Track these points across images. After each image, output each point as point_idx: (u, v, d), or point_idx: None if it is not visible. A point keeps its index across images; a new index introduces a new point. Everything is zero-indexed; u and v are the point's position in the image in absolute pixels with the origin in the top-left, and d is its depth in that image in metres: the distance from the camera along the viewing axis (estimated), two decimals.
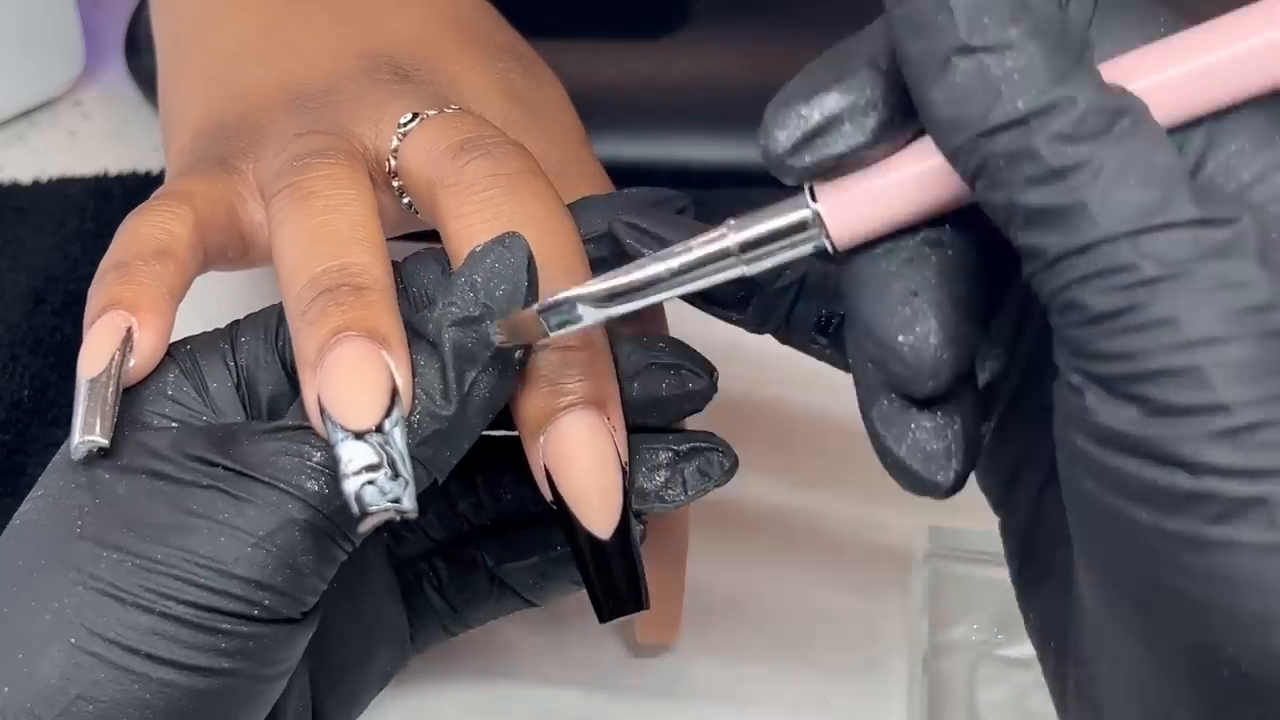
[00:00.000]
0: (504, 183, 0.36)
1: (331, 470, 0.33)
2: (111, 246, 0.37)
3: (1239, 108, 0.28)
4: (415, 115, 0.39)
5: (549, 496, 0.35)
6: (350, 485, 0.32)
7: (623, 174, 0.46)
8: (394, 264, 0.36)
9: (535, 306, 0.32)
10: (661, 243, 0.36)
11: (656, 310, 0.41)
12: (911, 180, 0.29)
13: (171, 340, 0.36)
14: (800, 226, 0.30)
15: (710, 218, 0.40)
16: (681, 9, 0.63)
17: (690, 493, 0.36)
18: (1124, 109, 0.27)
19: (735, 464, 0.37)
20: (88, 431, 0.33)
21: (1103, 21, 0.29)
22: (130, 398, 0.35)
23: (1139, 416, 0.26)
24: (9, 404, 0.52)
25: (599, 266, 0.37)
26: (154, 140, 0.62)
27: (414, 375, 0.33)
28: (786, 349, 0.37)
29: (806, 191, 0.30)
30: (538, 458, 0.35)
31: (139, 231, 0.37)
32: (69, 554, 0.32)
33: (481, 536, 0.40)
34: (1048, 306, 0.27)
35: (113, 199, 0.59)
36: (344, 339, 0.33)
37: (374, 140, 0.39)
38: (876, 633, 0.47)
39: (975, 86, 0.27)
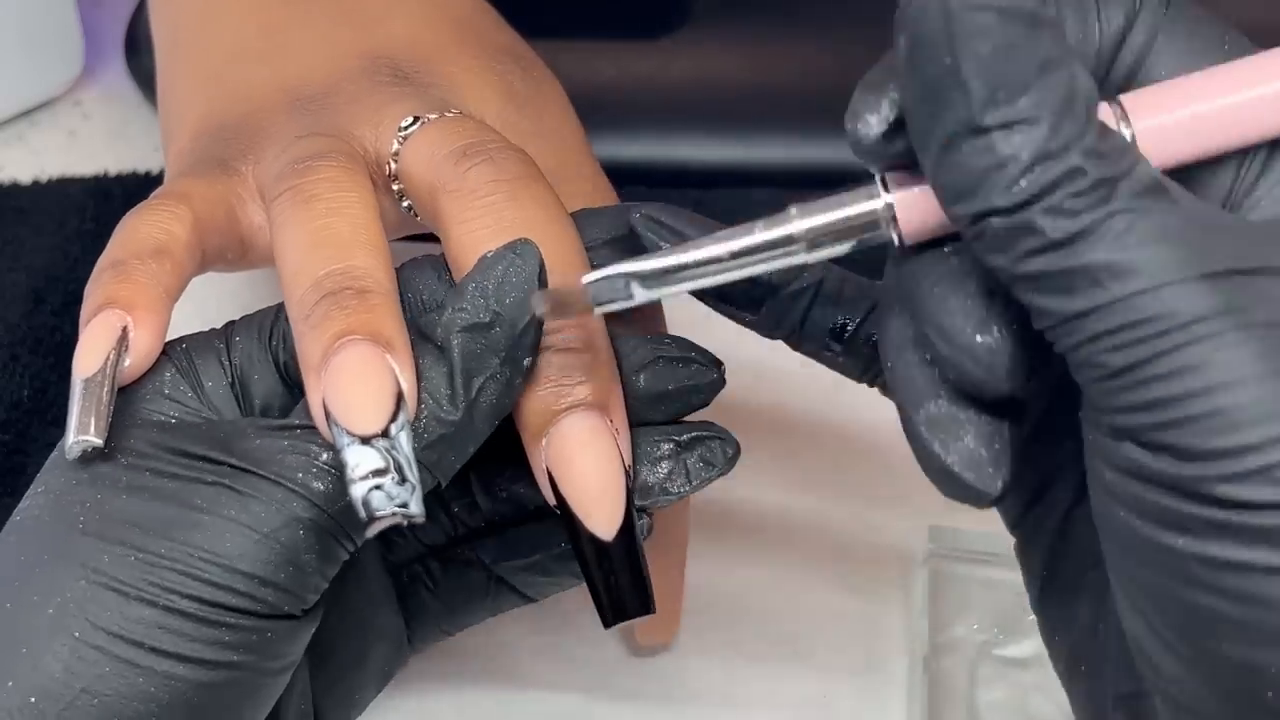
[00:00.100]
0: (506, 188, 0.36)
1: (337, 469, 0.33)
2: (109, 245, 0.37)
3: None
4: (416, 119, 0.39)
5: (551, 500, 0.35)
6: (357, 490, 0.32)
7: (623, 174, 0.46)
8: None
9: (585, 278, 0.31)
10: (680, 237, 0.36)
11: (655, 310, 0.41)
12: None
13: (168, 339, 0.36)
14: (869, 217, 0.29)
15: (711, 218, 0.40)
16: (681, 9, 0.63)
17: (694, 482, 0.36)
18: (1129, 168, 0.27)
19: (738, 451, 0.37)
20: (82, 431, 0.33)
21: (1166, 39, 0.29)
22: (127, 396, 0.35)
23: (1168, 461, 0.26)
24: (9, 404, 0.52)
25: None
26: (154, 140, 0.62)
27: (421, 379, 0.33)
28: (786, 349, 0.37)
29: (879, 183, 0.29)
30: (540, 460, 0.35)
31: (136, 231, 0.37)
32: (72, 549, 0.32)
33: (476, 537, 0.40)
34: (1066, 359, 0.27)
35: (113, 199, 0.59)
36: (348, 343, 0.33)
37: (374, 143, 0.39)
38: (876, 633, 0.47)
39: (982, 164, 0.27)
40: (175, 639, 0.32)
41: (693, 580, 0.45)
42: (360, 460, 0.32)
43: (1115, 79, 0.30)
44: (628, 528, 0.34)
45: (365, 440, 0.32)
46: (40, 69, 0.63)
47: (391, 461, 0.32)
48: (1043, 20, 0.27)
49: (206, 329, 0.37)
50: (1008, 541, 0.35)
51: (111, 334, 0.35)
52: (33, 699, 0.31)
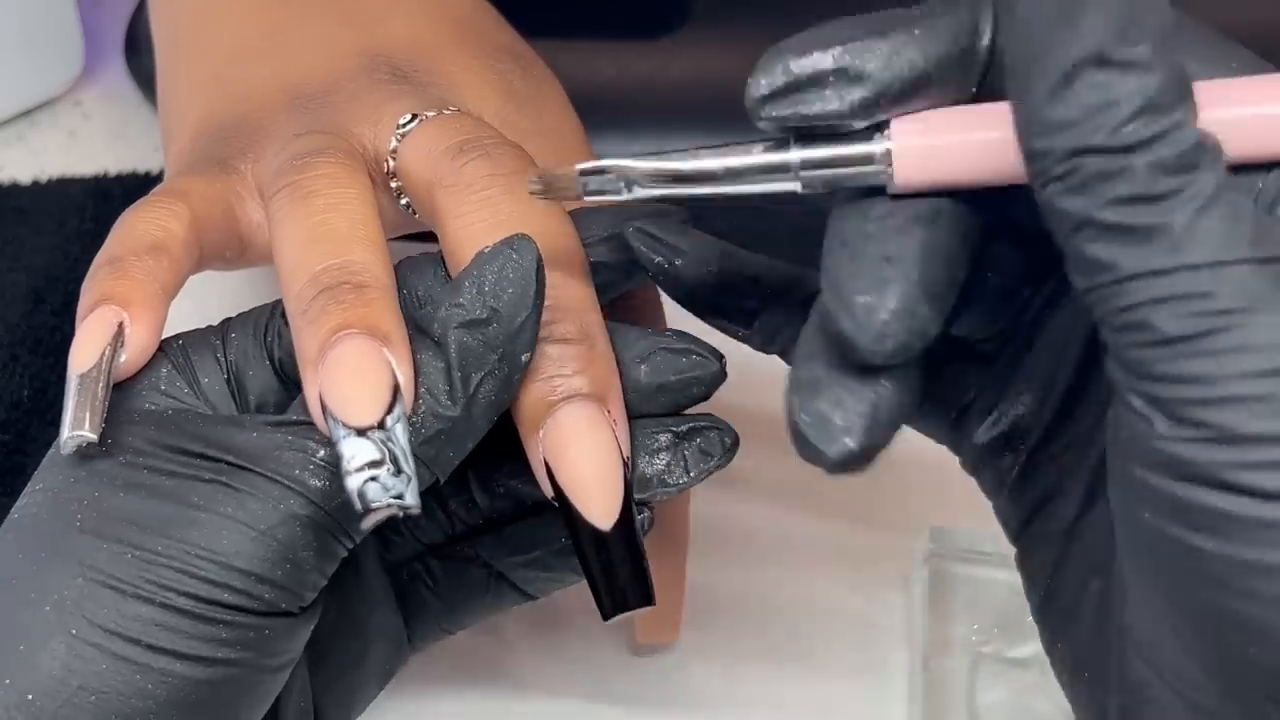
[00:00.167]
0: (502, 183, 0.36)
1: (334, 466, 0.33)
2: (106, 242, 0.37)
3: None
4: (414, 116, 0.39)
5: (549, 492, 0.35)
6: (353, 482, 0.31)
7: None
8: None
9: (579, 166, 0.32)
10: (674, 251, 0.36)
11: (655, 307, 0.41)
12: (998, 144, 0.29)
13: (165, 336, 0.36)
14: (866, 159, 0.29)
15: (711, 218, 0.40)
16: (681, 9, 0.63)
17: (692, 474, 0.36)
18: (1216, 145, 0.27)
19: (736, 442, 0.36)
20: (77, 426, 0.33)
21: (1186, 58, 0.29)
22: (123, 392, 0.35)
23: (1205, 442, 0.26)
24: (9, 404, 0.52)
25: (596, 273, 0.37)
26: (154, 140, 0.62)
27: (418, 374, 0.33)
28: None
29: (882, 131, 0.29)
30: (537, 452, 0.34)
31: (134, 227, 0.37)
32: (69, 546, 0.32)
33: (475, 535, 0.40)
34: (1105, 323, 0.27)
35: (112, 199, 0.59)
36: (345, 336, 0.33)
37: (373, 141, 0.39)
38: (876, 633, 0.47)
39: (1095, 100, 0.26)
40: (172, 636, 0.32)
41: (692, 581, 0.45)
42: (356, 452, 0.32)
43: None
44: (626, 518, 0.34)
45: (361, 432, 0.32)
46: (40, 69, 0.63)
47: (387, 453, 0.32)
48: None
49: (204, 326, 0.37)
50: (1008, 541, 0.35)
51: (107, 330, 0.35)
52: (30, 696, 0.31)
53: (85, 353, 0.34)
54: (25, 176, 0.61)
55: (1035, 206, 0.28)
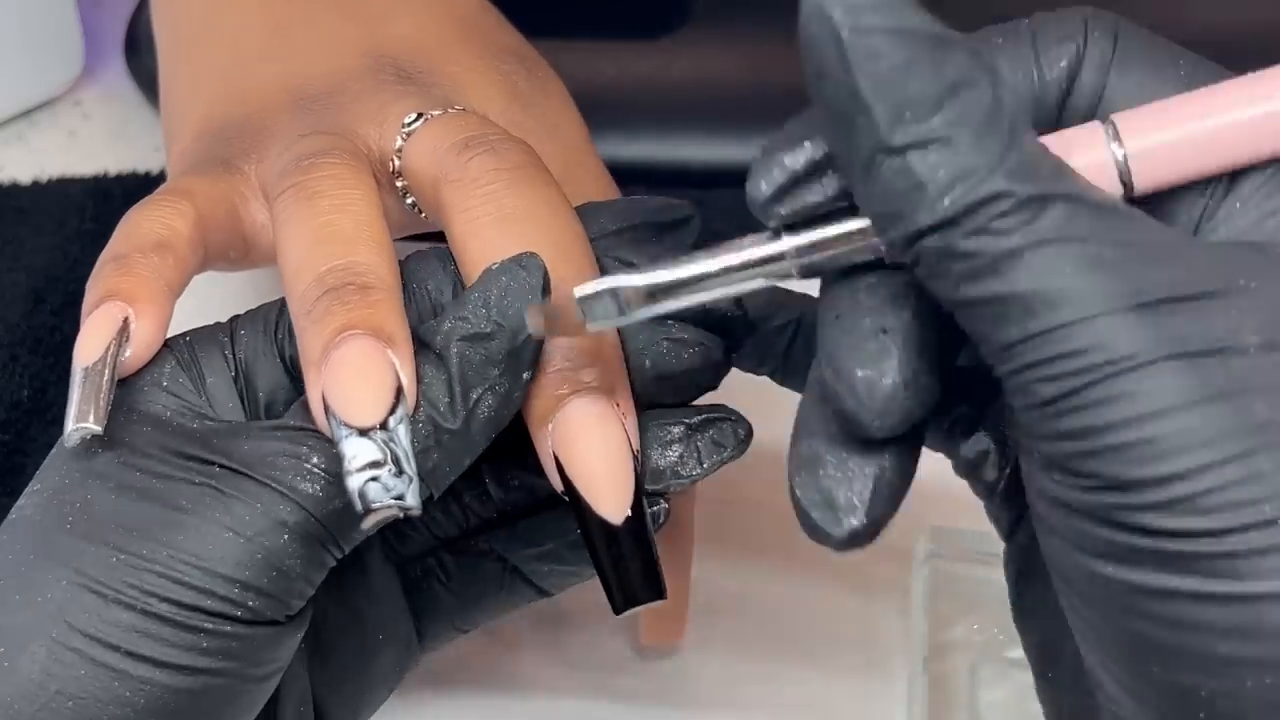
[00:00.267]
0: (507, 177, 0.36)
1: (328, 474, 0.32)
2: (111, 240, 0.37)
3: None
4: (420, 115, 0.39)
5: (558, 487, 0.34)
6: (354, 482, 0.31)
7: (623, 174, 0.46)
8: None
9: (577, 291, 0.31)
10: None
11: None
12: None
13: (170, 334, 0.36)
14: (859, 233, 0.29)
15: (711, 218, 0.40)
16: (681, 9, 0.63)
17: (705, 465, 0.36)
18: (1058, 191, 0.27)
19: (749, 432, 0.36)
20: (81, 419, 0.33)
21: (1122, 67, 0.29)
22: (126, 388, 0.35)
23: (1093, 490, 0.27)
24: (8, 404, 0.52)
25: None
26: (154, 140, 0.62)
27: (419, 385, 0.33)
28: None
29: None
30: (546, 447, 0.34)
31: (139, 225, 0.37)
32: (57, 549, 0.32)
33: (489, 528, 0.40)
34: (1004, 387, 0.28)
35: (113, 199, 0.59)
36: (349, 337, 0.33)
37: (378, 141, 0.39)
38: (876, 633, 0.47)
39: (901, 186, 0.27)
40: (153, 644, 0.32)
41: (693, 581, 0.45)
42: (357, 452, 0.32)
43: (1071, 120, 0.30)
44: (637, 512, 0.34)
45: (363, 432, 0.32)
46: (40, 69, 0.63)
47: (389, 454, 0.32)
48: (946, 40, 0.27)
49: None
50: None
51: (113, 324, 0.34)
52: (8, 699, 0.31)
53: (90, 346, 0.34)
54: (25, 176, 0.61)
55: None
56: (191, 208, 0.38)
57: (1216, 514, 0.26)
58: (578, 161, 0.43)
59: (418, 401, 0.33)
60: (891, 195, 0.27)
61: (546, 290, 0.34)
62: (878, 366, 0.29)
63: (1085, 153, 0.28)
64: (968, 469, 0.34)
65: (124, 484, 0.33)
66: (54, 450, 0.35)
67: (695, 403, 0.37)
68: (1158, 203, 0.29)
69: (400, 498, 0.31)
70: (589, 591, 0.35)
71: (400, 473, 0.32)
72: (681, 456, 0.36)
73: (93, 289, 0.35)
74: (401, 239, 0.39)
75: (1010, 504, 0.33)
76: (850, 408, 0.29)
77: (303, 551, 0.33)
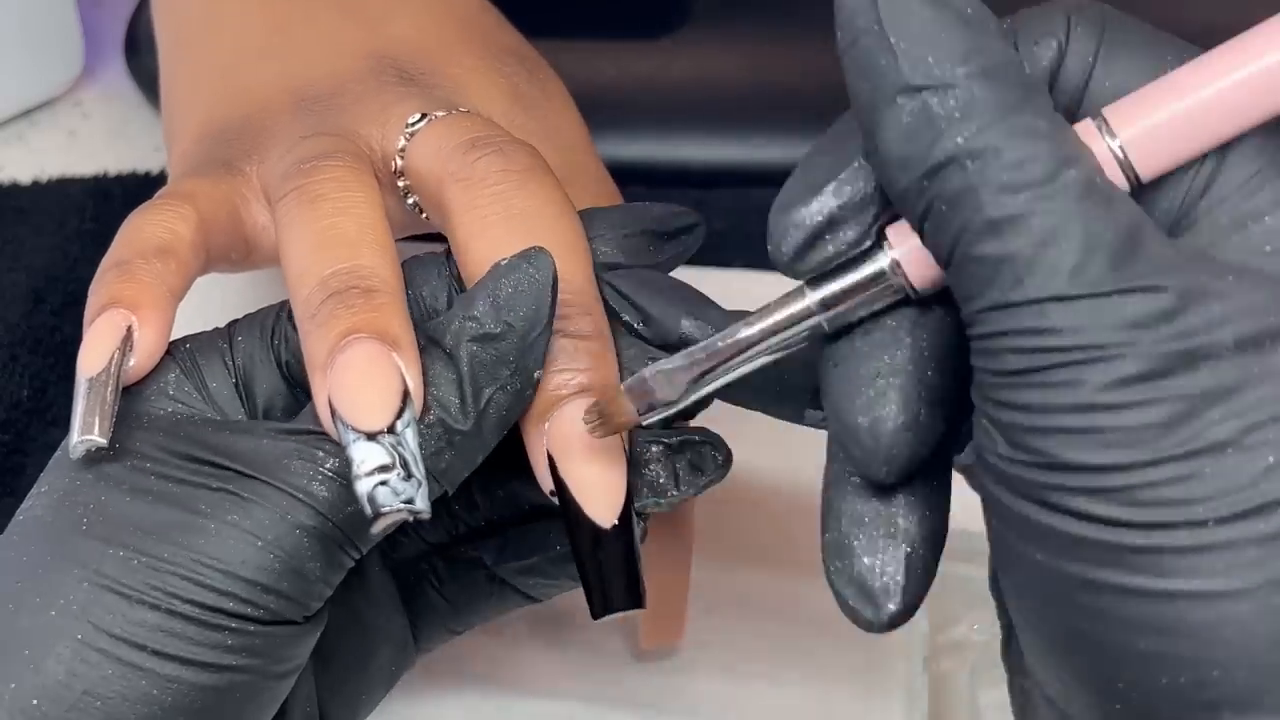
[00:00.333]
0: (515, 178, 0.36)
1: (342, 477, 0.32)
2: (113, 245, 0.37)
3: (1246, 138, 0.28)
4: (423, 115, 0.39)
5: (548, 486, 0.34)
6: (363, 486, 0.31)
7: (623, 174, 0.46)
8: None
9: (624, 385, 0.32)
10: (640, 313, 0.36)
11: None
12: None
13: (171, 339, 0.36)
14: (878, 276, 0.30)
15: (711, 218, 0.40)
16: (681, 9, 0.63)
17: (683, 488, 0.36)
18: (1071, 160, 0.27)
19: (729, 458, 0.36)
20: (86, 431, 0.33)
21: (1108, 58, 0.29)
22: (132, 396, 0.35)
23: (1031, 465, 0.27)
24: (9, 404, 0.52)
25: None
26: (154, 140, 0.62)
27: (430, 386, 0.33)
28: None
29: (879, 238, 0.30)
30: (540, 444, 0.34)
31: (141, 230, 0.37)
32: (75, 551, 0.32)
33: (478, 537, 0.40)
34: (971, 345, 0.28)
35: (112, 199, 0.59)
36: (354, 341, 0.33)
37: (380, 141, 0.39)
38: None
39: (920, 124, 0.27)
40: (178, 642, 0.32)
41: (693, 581, 0.45)
42: (366, 456, 0.32)
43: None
44: (625, 518, 0.34)
45: (371, 437, 0.32)
46: (40, 69, 0.63)
47: (397, 458, 0.32)
48: (980, 17, 0.28)
49: (210, 329, 0.37)
50: None
51: (116, 333, 0.34)
52: (35, 701, 0.31)
53: (94, 356, 0.34)
54: (25, 176, 0.61)
55: None
56: (193, 211, 0.38)
57: (1147, 508, 0.26)
58: (578, 163, 0.43)
59: (426, 404, 0.33)
60: (909, 134, 0.27)
61: (555, 287, 0.34)
62: (878, 411, 0.29)
63: None
64: (964, 470, 0.34)
65: (138, 487, 0.33)
66: (58, 453, 0.35)
67: (681, 424, 0.37)
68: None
69: (409, 501, 0.32)
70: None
71: (409, 476, 0.32)
72: (660, 476, 0.36)
73: (95, 296, 0.35)
74: (401, 239, 0.39)
75: None
76: (857, 456, 0.30)
77: (321, 554, 0.33)
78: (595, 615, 0.34)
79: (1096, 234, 0.26)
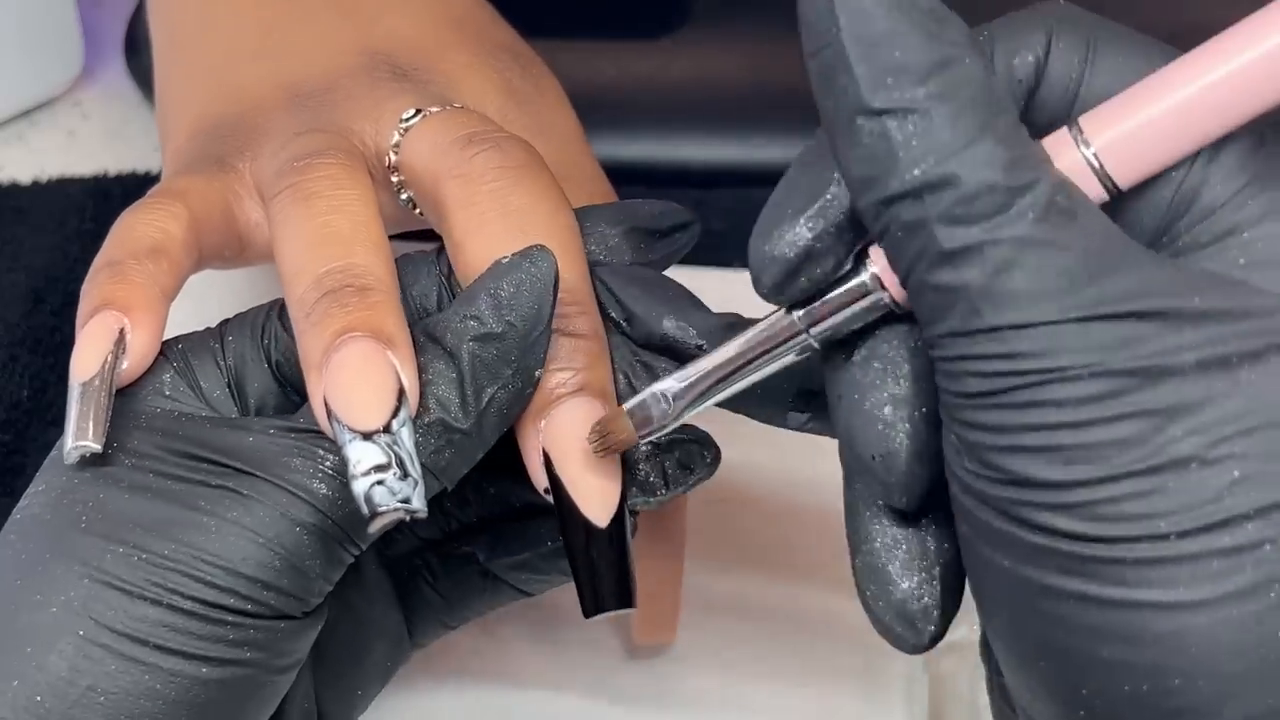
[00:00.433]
0: (512, 175, 0.36)
1: (341, 474, 0.32)
2: (105, 244, 0.37)
3: (1230, 147, 0.28)
4: (418, 111, 0.39)
5: (542, 484, 0.34)
6: (359, 486, 0.31)
7: (623, 174, 0.46)
8: None
9: (625, 407, 0.33)
10: (624, 311, 0.36)
11: None
12: None
13: (164, 339, 0.36)
14: (861, 294, 0.30)
15: (711, 218, 0.40)
16: (681, 9, 0.63)
17: (671, 486, 0.36)
18: (1030, 185, 0.27)
19: (717, 457, 0.36)
20: (80, 436, 0.33)
21: (1098, 64, 0.29)
22: (129, 396, 0.35)
23: (996, 482, 0.27)
24: (8, 404, 0.52)
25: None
26: (153, 140, 0.62)
27: (430, 385, 0.33)
28: None
29: (860, 256, 0.30)
30: (535, 443, 0.34)
31: (133, 229, 0.37)
32: (74, 548, 0.32)
33: (470, 533, 0.40)
34: (935, 368, 0.28)
35: (112, 199, 0.59)
36: (349, 340, 0.33)
37: (374, 137, 0.39)
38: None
39: (878, 150, 0.27)
40: (180, 637, 0.32)
41: (691, 581, 0.45)
42: (362, 456, 0.32)
43: (1038, 123, 0.30)
44: (619, 517, 0.34)
45: (366, 436, 0.32)
46: (40, 69, 0.63)
47: (393, 457, 0.32)
48: (943, 17, 0.27)
49: (203, 328, 0.37)
50: None
51: (109, 336, 0.34)
52: (38, 697, 0.31)
53: (87, 360, 0.34)
54: (25, 176, 0.61)
55: None
56: (185, 209, 0.38)
57: (1111, 523, 0.26)
58: (572, 159, 0.43)
59: (426, 403, 0.33)
60: (867, 158, 0.27)
61: (556, 286, 0.34)
62: (890, 445, 0.30)
63: (1057, 161, 0.28)
64: None
65: (137, 485, 0.33)
66: (54, 452, 0.35)
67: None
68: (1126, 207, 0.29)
69: (406, 501, 0.32)
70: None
71: (405, 475, 0.32)
72: (648, 475, 0.36)
73: (87, 297, 0.35)
74: (393, 236, 0.39)
75: None
76: (879, 490, 0.30)
77: (321, 551, 0.33)
78: (587, 614, 0.34)
79: (1051, 260, 0.26)
